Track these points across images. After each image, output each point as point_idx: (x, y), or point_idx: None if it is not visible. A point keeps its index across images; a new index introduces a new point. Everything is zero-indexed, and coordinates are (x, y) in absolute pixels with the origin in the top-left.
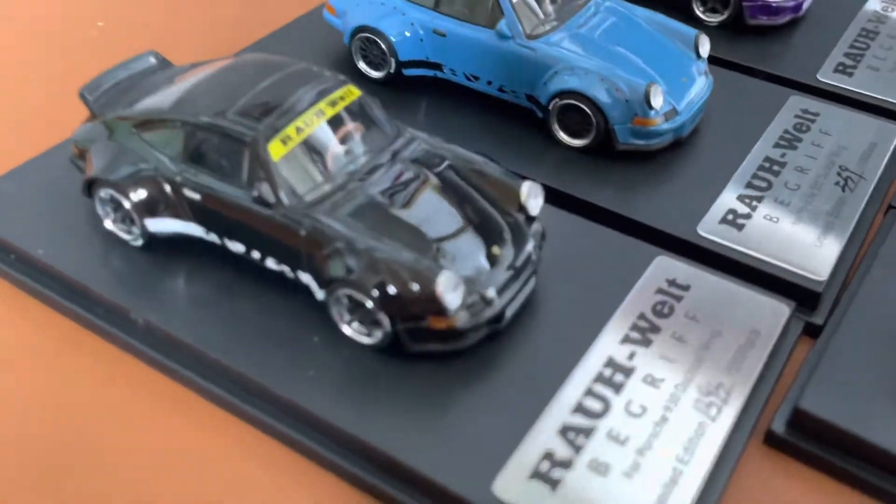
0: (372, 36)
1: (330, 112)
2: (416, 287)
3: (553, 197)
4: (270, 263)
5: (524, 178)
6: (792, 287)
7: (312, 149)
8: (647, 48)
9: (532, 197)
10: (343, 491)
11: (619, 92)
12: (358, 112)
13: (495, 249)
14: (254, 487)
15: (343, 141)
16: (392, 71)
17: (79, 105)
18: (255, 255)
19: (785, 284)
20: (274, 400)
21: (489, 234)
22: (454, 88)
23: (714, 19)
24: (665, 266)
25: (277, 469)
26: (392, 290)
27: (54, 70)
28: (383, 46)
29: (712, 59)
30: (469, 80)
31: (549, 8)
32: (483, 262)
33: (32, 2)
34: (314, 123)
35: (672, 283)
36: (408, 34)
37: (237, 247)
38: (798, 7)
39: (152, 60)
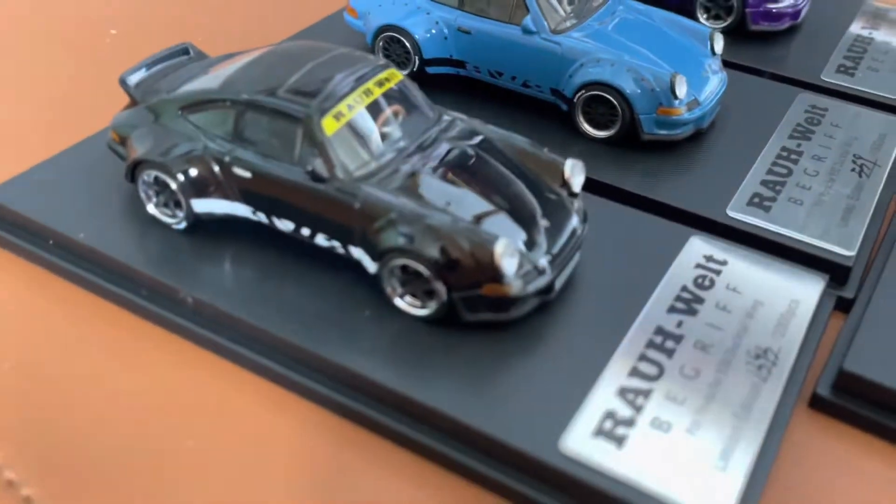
0: (396, 35)
1: (377, 91)
2: (474, 253)
3: (584, 184)
4: (320, 240)
5: None
6: (822, 263)
7: (362, 126)
8: (666, 44)
9: (575, 173)
10: (413, 461)
11: (644, 82)
12: (402, 94)
13: (543, 222)
14: (320, 463)
15: (390, 120)
16: (415, 69)
17: (112, 97)
18: (305, 232)
19: (816, 260)
20: (332, 371)
21: (536, 209)
22: (477, 85)
23: (717, 26)
24: (700, 244)
25: (343, 445)
26: (451, 256)
27: (84, 66)
28: (408, 45)
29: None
30: (493, 76)
31: (570, 6)
32: (533, 234)
33: (54, 4)
34: (363, 102)
35: (710, 258)
36: (433, 32)
37: (286, 225)
38: (797, 13)
39: (189, 51)
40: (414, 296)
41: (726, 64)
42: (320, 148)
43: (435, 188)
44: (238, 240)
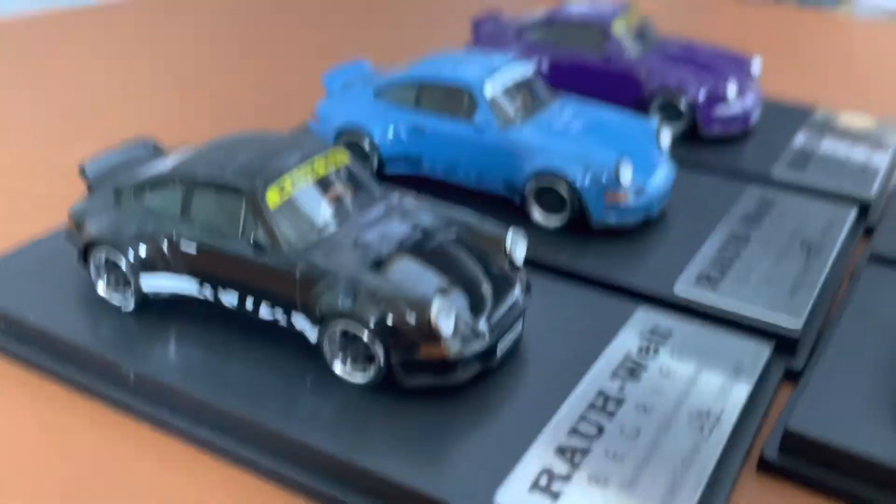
0: (354, 137)
1: (322, 170)
2: (411, 313)
3: (536, 267)
4: (264, 311)
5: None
6: (770, 335)
7: (306, 200)
8: (613, 137)
9: (516, 245)
10: None
11: (590, 169)
12: (347, 172)
13: (485, 289)
14: None
15: (336, 196)
16: (374, 169)
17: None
18: (249, 303)
19: (763, 333)
20: (269, 439)
21: (478, 277)
22: (434, 184)
23: (672, 129)
24: (646, 316)
25: None
26: (388, 318)
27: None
28: (366, 146)
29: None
30: (447, 172)
31: (519, 104)
32: (473, 300)
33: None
34: (308, 177)
35: (654, 330)
36: (390, 133)
37: (230, 298)
38: (746, 118)
39: (148, 146)
40: (355, 360)
41: (681, 165)
42: (263, 220)
43: (374, 257)
44: (187, 318)
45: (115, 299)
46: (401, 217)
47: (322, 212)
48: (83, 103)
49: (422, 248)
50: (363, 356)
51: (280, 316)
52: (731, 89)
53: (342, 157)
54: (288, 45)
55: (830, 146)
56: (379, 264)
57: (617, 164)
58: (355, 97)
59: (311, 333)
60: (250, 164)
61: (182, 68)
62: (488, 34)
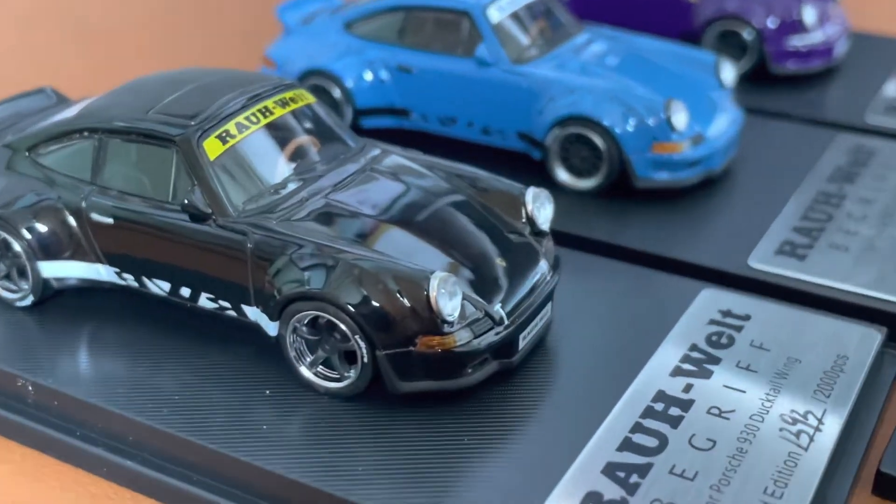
0: (322, 82)
1: (279, 112)
2: (402, 293)
3: (569, 241)
4: (205, 301)
5: None
6: (880, 318)
7: (256, 151)
8: (659, 73)
9: (539, 206)
10: None
11: (632, 112)
12: (313, 118)
13: (500, 261)
14: None
15: (298, 146)
16: (348, 123)
17: None
18: (185, 292)
19: (869, 315)
20: (217, 466)
21: (488, 247)
22: (426, 140)
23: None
24: (715, 298)
25: None
26: (373, 300)
27: None
28: (337, 94)
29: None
30: (444, 124)
31: (536, 33)
32: (484, 274)
33: None
34: (259, 122)
35: (727, 313)
36: (367, 76)
37: (161, 286)
38: (828, 51)
39: (48, 95)
40: (327, 363)
41: (747, 111)
42: (200, 177)
43: (353, 224)
44: (100, 315)
45: (8, 292)
46: (386, 174)
47: (279, 165)
48: None
49: (415, 213)
50: (340, 354)
51: (227, 305)
52: (809, 14)
53: (303, 96)
54: None
55: None
56: (359, 233)
57: (667, 103)
58: (319, 32)
59: (270, 326)
60: (183, 104)
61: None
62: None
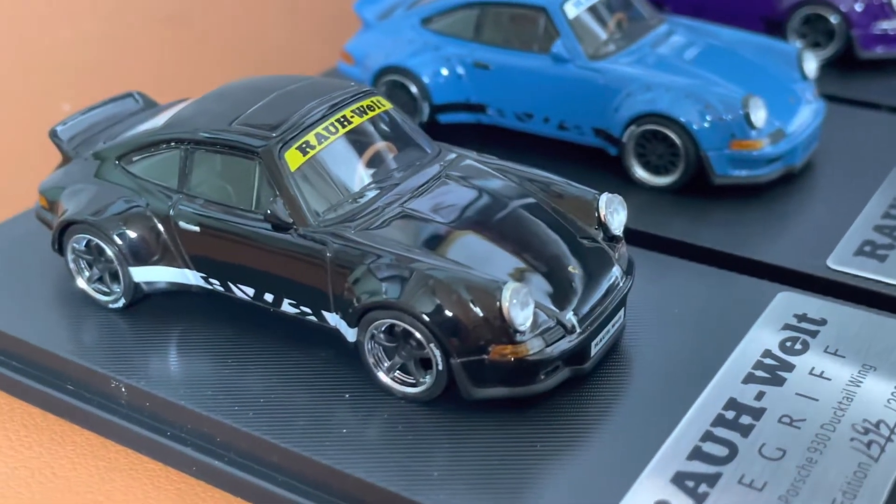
0: (400, 79)
1: (358, 121)
2: (476, 303)
3: (644, 241)
4: (287, 307)
5: None
6: None
7: (336, 161)
8: (739, 66)
9: (613, 211)
10: None
11: (710, 109)
12: (390, 125)
13: (572, 269)
14: None
15: (375, 154)
16: (425, 119)
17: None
18: (269, 297)
19: None
20: (299, 469)
21: (563, 254)
22: (503, 135)
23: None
24: (791, 301)
25: None
26: (446, 309)
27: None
28: (414, 90)
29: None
30: (521, 120)
31: (614, 27)
32: (558, 283)
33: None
34: (338, 132)
35: (803, 318)
36: (444, 72)
37: (245, 291)
38: None
39: (135, 101)
40: (404, 369)
41: (831, 99)
42: (281, 187)
43: (428, 231)
44: (188, 317)
45: (100, 295)
46: (460, 180)
47: (357, 174)
48: (62, 51)
49: (489, 219)
50: (416, 361)
51: (308, 310)
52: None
53: (381, 104)
54: None
55: None
56: (434, 241)
57: (745, 100)
58: (396, 28)
59: (349, 332)
60: (265, 115)
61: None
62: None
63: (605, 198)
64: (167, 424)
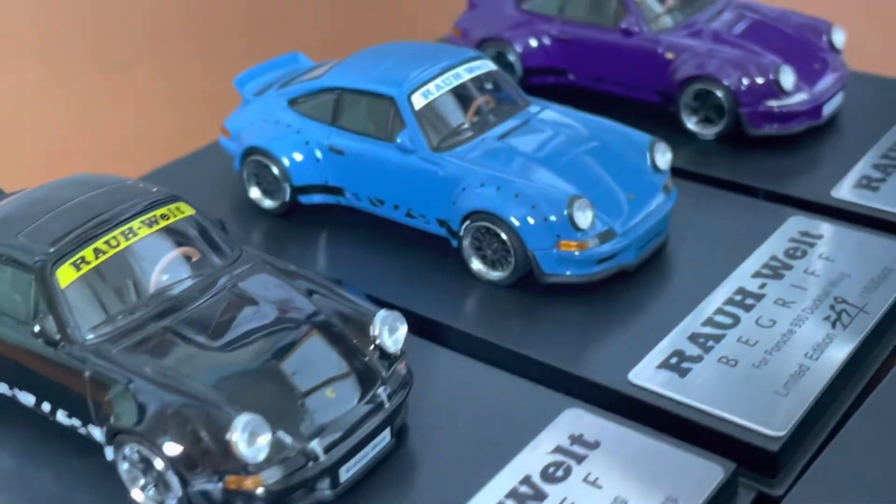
0: (263, 159)
1: (144, 232)
2: (208, 435)
3: (462, 344)
4: (62, 417)
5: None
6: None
7: (116, 274)
8: (583, 161)
9: (388, 330)
10: None
11: (536, 209)
12: (185, 232)
13: (330, 392)
14: None
15: (163, 264)
16: (287, 199)
17: None
18: (45, 407)
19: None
20: None
21: (324, 378)
22: (362, 217)
23: (709, 131)
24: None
25: None
26: (180, 440)
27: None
28: (275, 171)
29: (703, 179)
30: (374, 205)
31: (467, 117)
32: (310, 409)
33: None
34: (121, 244)
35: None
36: (302, 155)
37: (27, 398)
38: (816, 111)
39: None
40: (157, 488)
41: (716, 183)
42: (52, 303)
43: (188, 354)
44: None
45: None
46: (244, 294)
47: (139, 286)
48: None
49: (258, 339)
50: (162, 482)
51: (78, 425)
52: (787, 76)
53: (179, 211)
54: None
55: None
56: (191, 364)
57: (572, 201)
58: (267, 107)
59: (107, 451)
60: (52, 225)
61: None
62: (484, 2)
63: (380, 316)
64: None
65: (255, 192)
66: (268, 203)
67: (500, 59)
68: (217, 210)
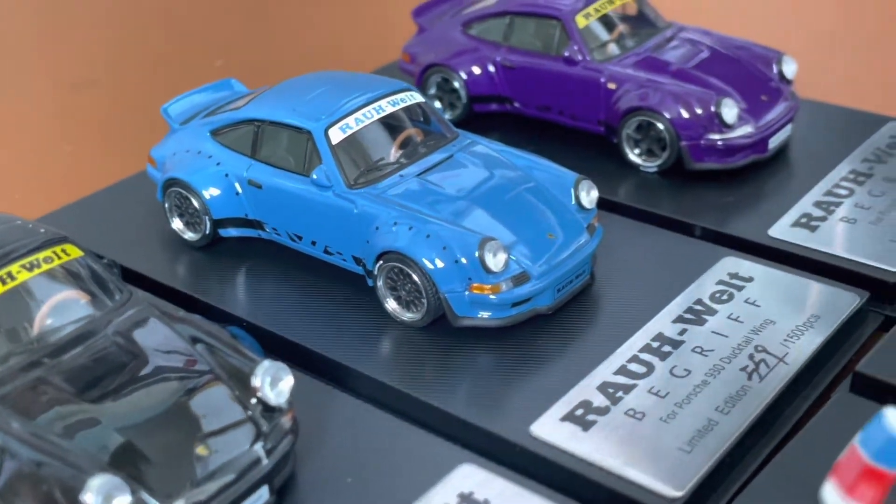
0: (183, 191)
1: (24, 276)
2: (60, 496)
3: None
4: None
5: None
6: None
7: None
8: (505, 199)
9: (270, 381)
10: None
11: (447, 251)
12: (71, 275)
13: (201, 450)
14: None
15: (44, 310)
16: (208, 232)
17: None
18: None
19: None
20: None
21: (196, 431)
22: (285, 252)
23: (651, 164)
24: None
25: None
26: (31, 502)
27: None
28: (196, 204)
29: (641, 214)
30: (293, 240)
31: (389, 151)
32: (178, 466)
33: None
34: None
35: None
36: (221, 188)
37: None
38: (761, 144)
39: None
40: None
41: (654, 218)
42: None
43: (69, 404)
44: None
45: None
46: (130, 338)
47: (20, 332)
48: None
49: (134, 390)
50: None
51: None
52: (729, 110)
53: (72, 253)
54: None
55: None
56: (69, 412)
57: (483, 243)
58: (190, 137)
59: None
60: None
61: None
62: (433, 27)
63: (262, 367)
64: None
65: (177, 224)
66: (189, 235)
67: (445, 85)
68: (144, 241)
